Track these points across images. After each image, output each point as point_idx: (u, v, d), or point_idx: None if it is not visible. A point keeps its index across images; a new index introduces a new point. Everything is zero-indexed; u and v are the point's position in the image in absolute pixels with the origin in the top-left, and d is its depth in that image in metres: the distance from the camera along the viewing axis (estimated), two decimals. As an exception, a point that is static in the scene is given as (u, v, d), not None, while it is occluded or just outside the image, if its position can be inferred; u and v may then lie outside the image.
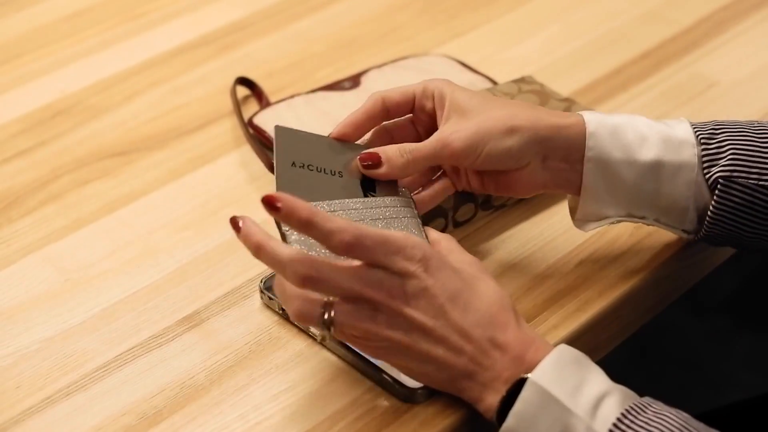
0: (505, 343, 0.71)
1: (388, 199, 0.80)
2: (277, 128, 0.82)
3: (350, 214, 0.77)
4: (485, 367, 0.71)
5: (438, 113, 0.82)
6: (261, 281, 0.83)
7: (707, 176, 0.79)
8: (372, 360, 0.77)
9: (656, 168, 0.79)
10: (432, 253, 0.71)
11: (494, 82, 1.04)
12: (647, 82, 1.08)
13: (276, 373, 0.78)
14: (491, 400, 0.71)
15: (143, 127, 1.04)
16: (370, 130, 0.84)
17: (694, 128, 0.81)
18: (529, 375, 0.69)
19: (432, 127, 0.82)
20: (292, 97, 1.02)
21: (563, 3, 1.22)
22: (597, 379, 0.70)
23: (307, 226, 0.70)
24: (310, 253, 0.72)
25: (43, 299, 0.85)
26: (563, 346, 0.71)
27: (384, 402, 0.76)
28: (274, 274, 0.83)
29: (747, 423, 0.96)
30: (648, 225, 0.83)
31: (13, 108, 1.07)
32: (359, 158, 0.80)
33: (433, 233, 0.78)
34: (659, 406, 0.69)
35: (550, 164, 0.80)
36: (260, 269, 0.86)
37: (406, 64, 1.07)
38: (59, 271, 0.88)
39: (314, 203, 0.74)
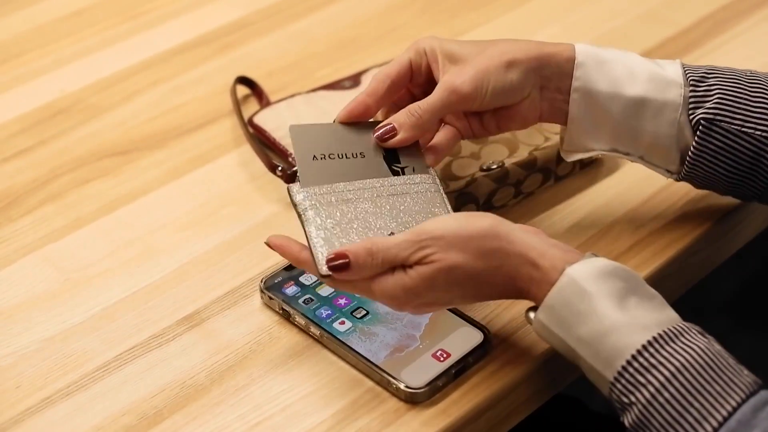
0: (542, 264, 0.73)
1: (410, 177, 0.80)
2: (292, 127, 0.82)
3: (372, 193, 0.78)
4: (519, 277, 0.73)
5: (433, 67, 0.83)
6: (261, 281, 0.83)
7: (691, 117, 0.81)
8: (372, 360, 0.77)
9: (640, 104, 0.81)
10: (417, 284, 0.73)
11: None
12: (647, 82, 1.08)
13: (276, 372, 0.78)
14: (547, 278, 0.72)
15: (143, 126, 1.04)
16: (377, 110, 0.84)
17: (686, 70, 0.82)
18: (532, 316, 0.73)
19: (430, 86, 0.83)
20: (292, 96, 1.02)
21: (563, 3, 1.21)
22: (603, 310, 0.70)
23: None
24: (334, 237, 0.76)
25: (43, 299, 0.85)
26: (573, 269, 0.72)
27: (385, 402, 0.76)
28: (274, 274, 0.83)
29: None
30: (633, 162, 0.85)
31: (13, 107, 1.07)
32: (375, 135, 0.81)
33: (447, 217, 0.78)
34: (689, 337, 0.69)
35: (546, 94, 0.82)
36: (260, 269, 0.86)
37: None
38: (59, 270, 0.87)
39: (334, 185, 0.77)
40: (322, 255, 0.74)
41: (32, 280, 0.87)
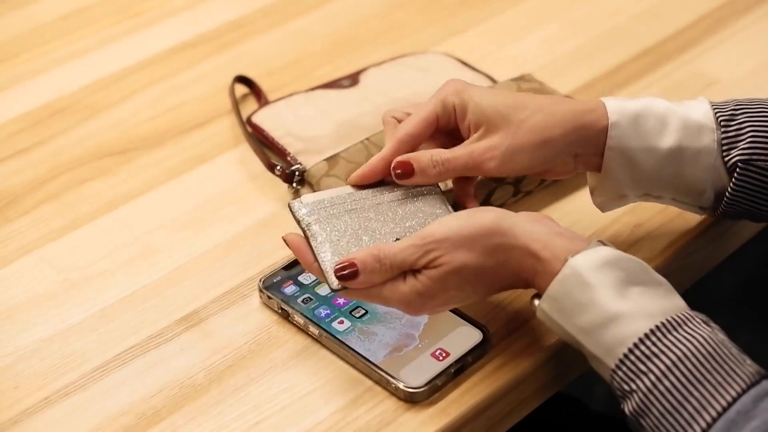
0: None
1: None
2: (292, 204, 0.79)
3: (374, 201, 0.79)
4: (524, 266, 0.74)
5: (461, 125, 0.81)
6: (260, 280, 0.83)
7: (726, 159, 0.80)
8: (371, 359, 0.77)
9: (676, 154, 0.80)
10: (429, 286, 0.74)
11: (493, 80, 1.03)
12: (647, 80, 1.07)
13: (275, 372, 0.78)
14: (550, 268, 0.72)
15: (141, 126, 1.04)
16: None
17: (714, 110, 0.81)
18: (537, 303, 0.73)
19: (452, 132, 0.82)
20: (290, 95, 1.02)
21: (563, 0, 1.21)
22: (604, 299, 0.71)
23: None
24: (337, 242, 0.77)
25: (42, 299, 0.85)
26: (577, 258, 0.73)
27: (384, 401, 0.76)
28: (273, 273, 0.83)
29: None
30: (664, 204, 0.84)
31: (11, 107, 1.07)
32: (392, 167, 0.80)
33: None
34: (692, 326, 0.70)
35: (580, 159, 0.81)
36: (259, 268, 0.86)
37: (404, 62, 1.06)
38: (57, 270, 0.87)
39: (336, 196, 0.79)
40: (331, 268, 0.74)
41: (31, 281, 0.87)
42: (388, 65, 1.06)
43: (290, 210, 0.79)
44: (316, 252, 0.76)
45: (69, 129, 1.04)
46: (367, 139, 0.93)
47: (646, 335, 0.69)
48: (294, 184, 0.93)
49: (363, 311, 0.80)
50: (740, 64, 1.09)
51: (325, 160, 0.92)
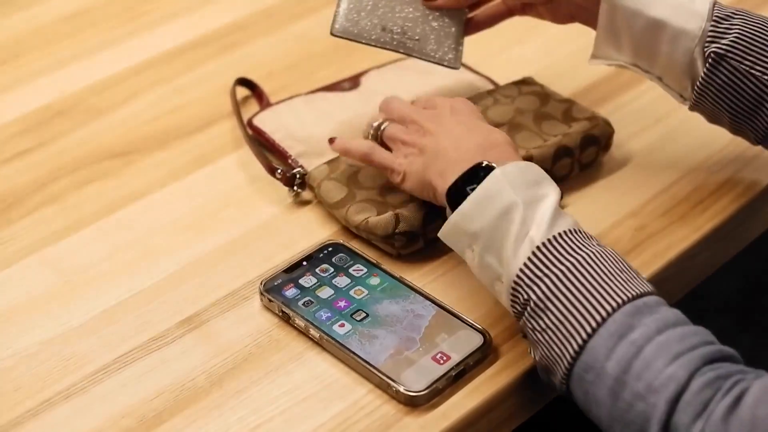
0: (483, 140, 0.81)
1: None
2: None
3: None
4: (460, 148, 0.81)
5: None
6: (261, 283, 0.83)
7: (705, 50, 0.83)
8: (372, 362, 0.77)
9: (659, 26, 0.84)
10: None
11: (495, 84, 1.04)
12: (648, 83, 1.06)
13: (276, 375, 0.78)
14: (454, 175, 0.79)
15: (143, 127, 1.04)
16: None
17: (715, 5, 0.84)
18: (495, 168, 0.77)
19: None
20: (291, 98, 1.02)
21: None
22: (551, 194, 0.76)
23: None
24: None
25: (43, 301, 0.85)
26: (532, 163, 0.79)
27: (384, 404, 0.76)
28: (274, 276, 0.83)
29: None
30: (651, 80, 0.89)
31: (13, 108, 1.07)
32: None
33: None
34: (597, 240, 0.75)
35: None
36: (260, 271, 0.86)
37: (406, 65, 1.07)
38: (59, 272, 0.87)
39: None
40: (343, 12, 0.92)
41: (32, 282, 0.87)
42: (390, 68, 1.06)
43: None
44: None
45: (70, 131, 1.04)
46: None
47: (572, 231, 0.74)
48: (295, 188, 0.93)
49: (364, 314, 0.81)
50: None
51: (326, 163, 0.92)
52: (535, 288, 0.72)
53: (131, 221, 0.93)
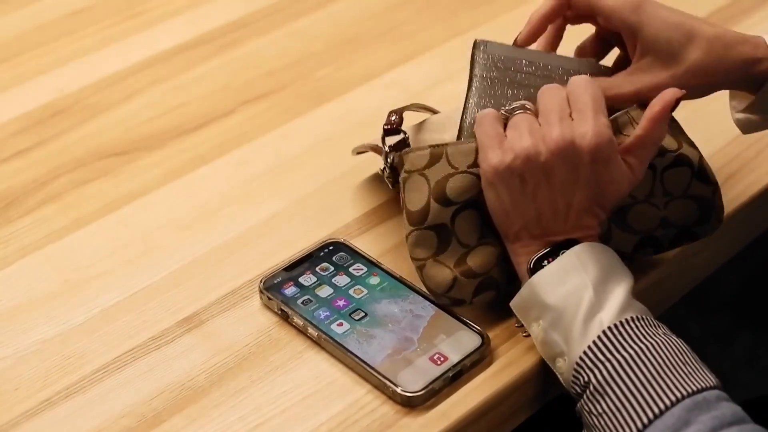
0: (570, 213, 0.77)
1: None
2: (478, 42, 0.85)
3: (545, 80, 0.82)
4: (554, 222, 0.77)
5: (627, 42, 0.82)
6: (261, 281, 0.83)
7: None
8: (369, 362, 0.76)
9: None
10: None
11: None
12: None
13: (276, 374, 0.78)
14: (534, 249, 0.77)
15: (143, 126, 1.04)
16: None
17: None
18: (575, 247, 0.75)
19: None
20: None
21: (564, 1, 1.21)
22: (624, 283, 0.75)
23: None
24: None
25: (42, 300, 0.85)
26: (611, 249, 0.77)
27: (385, 404, 0.75)
28: (274, 274, 0.83)
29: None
30: None
31: (12, 107, 1.07)
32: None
33: None
34: (666, 329, 0.74)
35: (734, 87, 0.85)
36: (260, 270, 0.86)
37: None
38: (58, 271, 0.87)
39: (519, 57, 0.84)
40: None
41: (31, 281, 0.86)
42: None
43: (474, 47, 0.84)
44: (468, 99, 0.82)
45: (70, 129, 1.04)
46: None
47: (640, 318, 0.72)
48: (388, 160, 0.83)
49: (363, 314, 0.80)
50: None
51: (429, 148, 0.80)
52: (597, 371, 0.71)
53: (131, 220, 0.92)
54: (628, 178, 0.77)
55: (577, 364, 0.72)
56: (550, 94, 0.78)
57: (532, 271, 0.76)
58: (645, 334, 0.72)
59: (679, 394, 0.69)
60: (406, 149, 0.81)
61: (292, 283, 0.83)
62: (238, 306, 0.83)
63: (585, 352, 0.72)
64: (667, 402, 0.69)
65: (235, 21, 1.19)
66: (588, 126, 0.75)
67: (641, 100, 0.80)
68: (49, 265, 0.88)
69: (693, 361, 0.72)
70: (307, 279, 0.83)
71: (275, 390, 0.77)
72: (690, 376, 0.70)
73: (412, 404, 0.75)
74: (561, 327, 0.74)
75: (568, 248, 0.75)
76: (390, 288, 0.82)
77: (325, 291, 0.82)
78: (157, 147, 1.01)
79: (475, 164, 0.79)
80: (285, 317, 0.81)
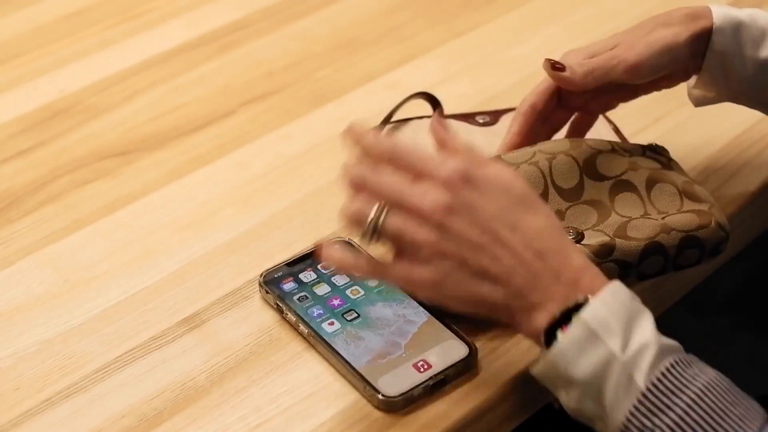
0: (558, 265, 0.69)
1: None
2: None
3: None
4: (538, 287, 0.69)
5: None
6: (261, 275, 0.83)
7: None
8: (352, 363, 0.76)
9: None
10: (480, 168, 0.70)
11: (622, 138, 0.97)
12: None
13: (276, 374, 0.78)
14: (540, 320, 0.69)
15: (143, 127, 1.04)
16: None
17: None
18: (581, 311, 0.67)
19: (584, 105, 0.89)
20: (422, 117, 0.97)
21: (564, 3, 1.21)
22: (644, 329, 0.68)
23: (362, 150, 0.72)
24: None
25: (43, 300, 0.85)
26: (617, 284, 0.69)
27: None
28: (275, 268, 0.83)
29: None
30: (751, 107, 0.89)
31: (12, 108, 1.07)
32: (546, 59, 0.86)
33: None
34: (701, 366, 0.68)
35: (692, 63, 0.86)
36: (260, 270, 0.86)
37: None
38: (58, 272, 0.87)
39: None
40: None
41: (32, 282, 0.86)
42: None
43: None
44: None
45: (70, 130, 1.04)
46: None
47: (663, 374, 0.67)
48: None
49: (355, 315, 0.80)
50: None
51: None
52: None
53: (131, 220, 0.92)
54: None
55: (621, 430, 0.67)
56: (382, 185, 0.70)
57: (547, 340, 0.69)
58: (685, 383, 0.67)
59: None
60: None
61: (292, 278, 0.83)
62: (238, 306, 0.83)
63: (628, 418, 0.67)
64: None
65: (235, 22, 1.19)
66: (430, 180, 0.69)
67: (618, 62, 0.85)
68: (50, 266, 0.88)
69: (739, 398, 0.67)
70: (307, 275, 0.83)
71: (275, 390, 0.77)
72: (743, 420, 0.66)
73: (389, 409, 0.74)
74: (593, 397, 0.68)
75: (576, 310, 0.68)
76: (387, 291, 0.82)
77: (322, 289, 0.82)
78: (158, 148, 1.01)
79: None
80: (280, 312, 0.81)
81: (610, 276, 0.76)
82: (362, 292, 0.82)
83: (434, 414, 0.75)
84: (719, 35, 0.84)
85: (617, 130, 0.97)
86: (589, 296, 0.68)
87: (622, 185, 0.84)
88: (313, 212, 0.92)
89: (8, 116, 1.06)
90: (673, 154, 0.91)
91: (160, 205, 0.94)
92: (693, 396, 0.66)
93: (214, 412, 0.75)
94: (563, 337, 0.68)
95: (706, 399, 0.66)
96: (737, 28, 0.84)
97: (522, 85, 1.07)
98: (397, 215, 0.69)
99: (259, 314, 0.83)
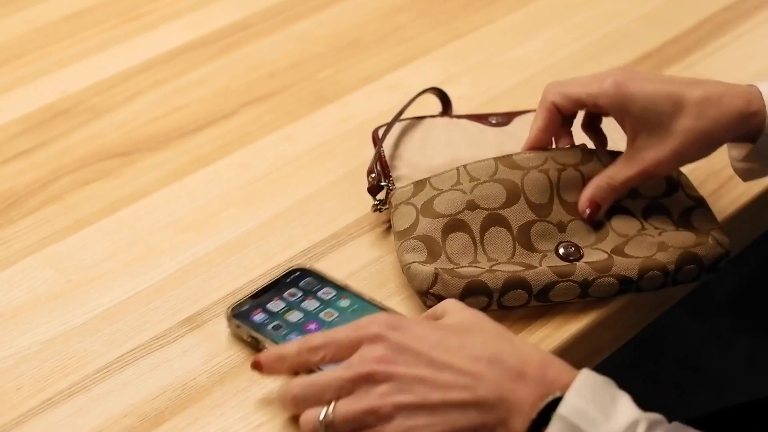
0: (518, 364, 0.67)
1: None
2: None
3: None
4: (504, 394, 0.66)
5: (619, 122, 0.83)
6: (228, 309, 0.80)
7: None
8: None
9: None
10: (400, 316, 0.72)
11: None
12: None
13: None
14: (519, 427, 0.66)
15: (144, 127, 1.04)
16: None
17: None
18: (558, 408, 0.65)
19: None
20: (435, 116, 0.97)
21: (565, 4, 1.21)
22: (625, 409, 0.66)
23: (285, 361, 0.73)
24: None
25: (44, 300, 0.85)
26: (587, 372, 0.67)
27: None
28: (241, 302, 0.81)
29: (747, 425, 0.96)
30: None
31: (14, 108, 1.07)
32: (583, 213, 0.83)
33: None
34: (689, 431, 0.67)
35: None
36: (261, 270, 0.86)
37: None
38: (60, 272, 0.87)
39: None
40: None
41: (33, 282, 0.87)
42: None
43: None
44: None
45: (72, 130, 1.04)
46: (463, 166, 0.85)
47: None
48: (376, 202, 0.88)
49: None
50: (742, 68, 1.10)
51: (413, 183, 0.85)
52: None
53: (132, 221, 0.93)
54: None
55: None
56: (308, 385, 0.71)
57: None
58: None
59: None
60: (392, 190, 0.86)
61: (260, 309, 0.80)
62: (239, 306, 0.84)
63: None
64: None
65: (236, 23, 1.20)
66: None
67: (650, 178, 0.82)
68: (51, 266, 0.88)
69: None
70: (275, 305, 0.80)
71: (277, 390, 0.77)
72: None
73: None
74: None
75: (553, 407, 0.65)
76: (361, 310, 0.79)
77: (295, 316, 0.80)
78: (159, 148, 1.01)
79: (459, 182, 0.83)
80: (255, 345, 0.79)
81: (610, 291, 0.79)
82: (336, 314, 0.79)
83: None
84: None
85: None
86: (559, 392, 0.65)
87: (618, 210, 0.84)
88: (314, 213, 0.92)
89: (10, 116, 1.06)
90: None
91: (161, 206, 0.94)
92: None
93: (216, 412, 0.75)
94: None
95: None
96: None
97: (523, 86, 1.08)
98: (345, 400, 0.69)
99: (261, 314, 0.83)
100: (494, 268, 0.80)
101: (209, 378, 0.78)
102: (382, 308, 0.80)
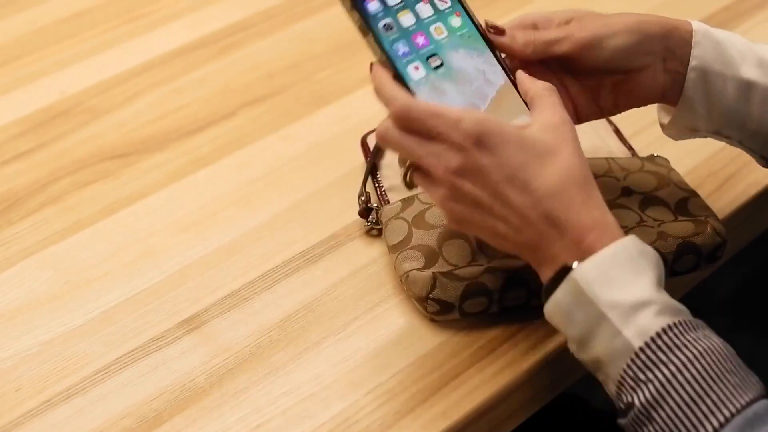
0: (564, 223, 0.70)
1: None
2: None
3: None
4: (543, 247, 0.71)
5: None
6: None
7: None
8: None
9: (750, 88, 0.79)
10: (492, 128, 0.70)
11: (635, 154, 0.94)
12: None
13: (276, 375, 0.78)
14: (546, 275, 0.71)
15: (143, 128, 1.04)
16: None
17: None
18: (572, 268, 0.69)
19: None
20: None
21: (564, 4, 1.21)
22: (642, 286, 0.68)
23: (378, 92, 0.74)
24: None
25: (43, 302, 0.85)
26: (628, 240, 0.69)
27: (385, 405, 0.76)
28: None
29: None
30: (731, 145, 0.83)
31: (13, 110, 1.07)
32: (486, 21, 0.80)
33: (532, 88, 0.75)
34: (707, 332, 0.68)
35: (669, 66, 0.80)
36: (260, 271, 0.86)
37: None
38: (59, 273, 0.87)
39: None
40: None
41: (32, 283, 0.87)
42: None
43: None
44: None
45: (71, 132, 1.04)
46: None
47: (671, 326, 0.67)
48: (368, 222, 0.89)
49: (439, 62, 0.76)
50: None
51: (401, 200, 0.86)
52: (639, 393, 0.67)
53: (131, 222, 0.93)
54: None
55: (617, 386, 0.68)
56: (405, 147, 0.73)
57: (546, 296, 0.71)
58: (681, 345, 0.67)
59: (728, 413, 0.65)
60: (380, 208, 0.87)
61: None
62: (238, 307, 0.84)
63: (621, 376, 0.68)
64: (716, 424, 0.65)
65: (236, 24, 1.20)
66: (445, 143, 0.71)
67: (567, 35, 0.79)
68: (50, 267, 0.88)
69: (736, 367, 0.67)
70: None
71: (275, 391, 0.77)
72: (737, 389, 0.66)
73: None
74: (588, 351, 0.70)
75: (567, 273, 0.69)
76: (469, 36, 0.78)
77: (407, 19, 0.77)
78: (158, 149, 1.01)
79: None
80: (363, 33, 0.76)
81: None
82: (446, 33, 0.78)
83: (433, 413, 0.75)
84: (699, 48, 0.79)
85: (618, 132, 0.97)
86: (578, 260, 0.69)
87: (615, 207, 0.83)
88: (313, 213, 0.92)
89: (9, 118, 1.06)
90: (670, 157, 0.92)
91: (160, 207, 0.94)
92: (690, 356, 0.67)
93: (214, 413, 0.75)
94: (552, 298, 0.70)
95: (702, 361, 0.67)
96: (716, 44, 0.79)
97: (522, 86, 1.07)
98: (417, 173, 0.73)
99: (259, 316, 0.83)
100: (493, 264, 0.80)
101: (207, 379, 0.78)
102: (487, 44, 0.79)
